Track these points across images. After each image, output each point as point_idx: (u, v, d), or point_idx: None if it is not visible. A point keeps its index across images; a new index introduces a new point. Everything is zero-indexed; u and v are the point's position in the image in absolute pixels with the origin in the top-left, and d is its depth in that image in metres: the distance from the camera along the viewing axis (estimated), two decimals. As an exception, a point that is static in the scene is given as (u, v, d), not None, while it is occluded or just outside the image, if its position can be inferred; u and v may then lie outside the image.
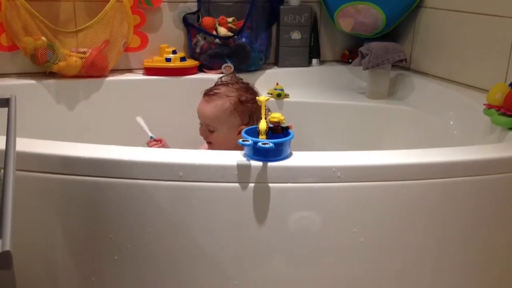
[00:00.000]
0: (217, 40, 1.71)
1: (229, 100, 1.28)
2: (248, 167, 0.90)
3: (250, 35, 1.73)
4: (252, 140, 0.89)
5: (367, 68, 1.65)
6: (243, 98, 1.30)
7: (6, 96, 0.70)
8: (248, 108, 1.30)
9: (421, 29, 1.77)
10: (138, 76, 1.68)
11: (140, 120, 1.38)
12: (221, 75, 1.57)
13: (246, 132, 0.92)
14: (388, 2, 1.74)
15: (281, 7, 1.80)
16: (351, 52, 1.93)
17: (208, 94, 1.31)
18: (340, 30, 1.86)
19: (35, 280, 0.98)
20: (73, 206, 0.94)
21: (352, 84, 1.84)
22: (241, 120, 1.30)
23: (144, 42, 1.68)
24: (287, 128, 0.94)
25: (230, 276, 0.97)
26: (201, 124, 1.32)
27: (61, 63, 1.55)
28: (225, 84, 1.34)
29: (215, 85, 1.34)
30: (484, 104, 1.29)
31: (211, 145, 1.31)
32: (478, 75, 1.53)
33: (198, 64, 1.72)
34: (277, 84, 1.69)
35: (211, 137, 1.30)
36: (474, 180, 0.98)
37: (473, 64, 1.55)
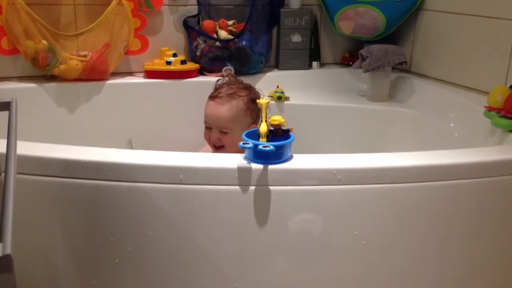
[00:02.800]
0: (217, 43, 1.71)
1: (242, 99, 1.30)
2: (249, 170, 0.90)
3: (251, 38, 1.73)
4: (252, 143, 0.89)
5: (367, 71, 1.65)
6: (253, 97, 1.32)
7: (7, 100, 0.70)
8: (257, 106, 1.31)
9: (421, 31, 1.77)
10: (139, 79, 1.68)
11: (131, 141, 1.36)
12: (219, 78, 1.57)
13: (246, 135, 0.92)
14: (388, 4, 1.74)
15: (281, 10, 1.80)
16: (351, 54, 1.93)
17: (219, 96, 1.30)
18: (340, 32, 1.86)
19: (36, 283, 0.98)
20: (73, 209, 0.94)
21: (353, 87, 1.84)
22: (251, 119, 1.32)
23: (144, 45, 1.68)
24: (287, 130, 0.94)
25: (231, 279, 0.96)
26: (209, 128, 1.30)
27: (62, 67, 1.55)
28: (229, 84, 1.34)
29: (219, 87, 1.34)
30: (485, 107, 1.29)
31: (222, 149, 1.29)
32: (478, 77, 1.53)
33: (198, 67, 1.72)
34: (278, 86, 1.69)
35: (225, 139, 1.28)
36: (475, 183, 0.98)
37: (473, 67, 1.55)
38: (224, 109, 1.28)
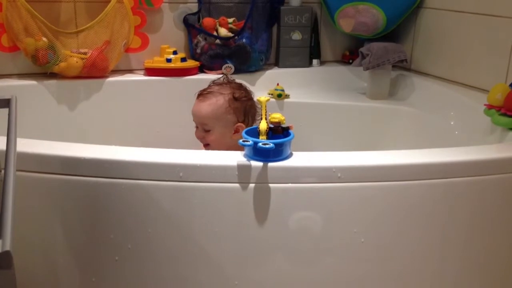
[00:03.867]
0: (217, 41, 1.71)
1: (223, 97, 1.30)
2: (249, 167, 0.90)
3: (251, 35, 1.73)
4: (252, 140, 0.89)
5: (367, 69, 1.65)
6: (237, 95, 1.32)
7: (7, 97, 0.70)
8: (242, 104, 1.32)
9: (422, 29, 1.77)
10: (139, 77, 1.68)
11: None
12: (219, 76, 1.58)
13: (246, 133, 0.92)
14: (388, 2, 1.74)
15: (281, 7, 1.80)
16: (351, 52, 1.93)
17: (202, 94, 1.32)
18: (340, 30, 1.86)
19: (35, 280, 0.99)
20: (73, 207, 0.94)
21: (353, 85, 1.84)
22: (236, 118, 1.31)
23: (144, 42, 1.68)
24: (287, 128, 0.94)
25: (231, 276, 0.97)
26: (197, 126, 1.33)
27: (62, 64, 1.55)
28: (218, 84, 1.36)
29: (207, 87, 1.36)
30: (485, 105, 1.29)
31: (208, 147, 1.32)
32: (478, 76, 1.53)
33: (198, 65, 1.72)
34: (278, 84, 1.69)
35: (208, 137, 1.30)
36: (475, 181, 0.98)
37: (473, 65, 1.55)
38: (204, 105, 1.30)
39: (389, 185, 0.94)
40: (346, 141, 1.65)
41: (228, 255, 0.96)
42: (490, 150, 1.04)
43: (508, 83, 1.31)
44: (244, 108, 1.33)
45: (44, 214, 0.95)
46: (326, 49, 1.95)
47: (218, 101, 1.29)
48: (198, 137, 1.33)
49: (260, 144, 0.87)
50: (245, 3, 1.75)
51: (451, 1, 1.62)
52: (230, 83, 1.37)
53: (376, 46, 1.65)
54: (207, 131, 1.30)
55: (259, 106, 1.30)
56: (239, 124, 1.31)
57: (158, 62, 1.67)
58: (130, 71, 1.73)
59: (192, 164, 0.90)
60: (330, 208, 0.94)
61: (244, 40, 1.71)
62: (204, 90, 1.34)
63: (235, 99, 1.31)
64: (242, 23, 1.74)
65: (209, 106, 1.29)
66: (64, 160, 0.91)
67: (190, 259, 0.95)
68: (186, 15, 1.72)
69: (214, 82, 1.38)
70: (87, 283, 0.98)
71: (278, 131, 0.93)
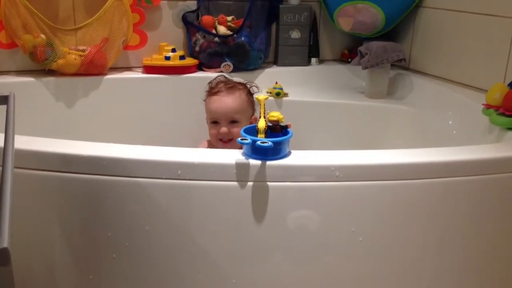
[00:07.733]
0: (216, 39, 1.71)
1: (243, 91, 1.33)
2: (247, 165, 0.90)
3: (250, 34, 1.73)
4: (251, 138, 0.89)
5: (366, 68, 1.65)
6: (250, 90, 1.36)
7: (5, 94, 0.70)
8: (252, 99, 1.35)
9: (421, 28, 1.77)
10: (137, 74, 1.68)
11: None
12: (220, 73, 1.58)
13: (244, 131, 0.92)
14: (387, 1, 1.74)
15: (280, 6, 1.80)
16: (350, 51, 1.93)
17: (220, 90, 1.32)
18: (339, 29, 1.86)
19: (33, 278, 0.98)
20: (71, 204, 0.94)
21: (351, 84, 1.84)
22: (252, 111, 1.35)
23: (143, 40, 1.68)
24: (286, 127, 0.94)
25: (229, 275, 0.97)
26: (215, 123, 1.30)
27: (60, 61, 1.55)
28: (224, 81, 1.37)
29: (215, 85, 1.35)
30: (483, 104, 1.29)
31: (231, 142, 1.28)
32: (477, 75, 1.53)
33: (197, 63, 1.72)
34: (276, 83, 1.69)
35: (234, 130, 1.28)
36: (473, 180, 0.98)
37: (472, 64, 1.55)
38: (232, 99, 1.30)
39: (387, 184, 0.94)
40: (345, 140, 1.65)
41: (226, 253, 0.96)
42: (488, 149, 1.04)
43: (507, 83, 1.32)
44: (253, 103, 1.36)
45: (41, 211, 0.95)
46: (325, 47, 1.95)
47: (242, 94, 1.32)
48: (220, 133, 1.29)
49: (258, 142, 0.87)
50: (244, 1, 1.75)
51: (450, 1, 1.62)
52: (231, 80, 1.38)
53: (375, 45, 1.65)
54: (234, 123, 1.28)
55: (257, 104, 1.31)
56: (254, 117, 1.34)
57: (157, 59, 1.67)
58: (129, 68, 1.72)
59: (190, 162, 0.90)
60: (328, 206, 0.94)
61: (243, 38, 1.71)
62: (218, 87, 1.33)
63: (250, 94, 1.36)
64: (241, 21, 1.74)
65: (237, 99, 1.30)
66: (62, 157, 0.91)
67: (187, 257, 0.95)
68: (185, 12, 1.72)
69: (219, 81, 1.37)
70: (85, 280, 0.98)
71: (277, 129, 0.93)
